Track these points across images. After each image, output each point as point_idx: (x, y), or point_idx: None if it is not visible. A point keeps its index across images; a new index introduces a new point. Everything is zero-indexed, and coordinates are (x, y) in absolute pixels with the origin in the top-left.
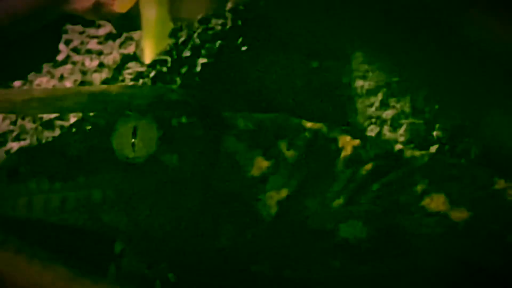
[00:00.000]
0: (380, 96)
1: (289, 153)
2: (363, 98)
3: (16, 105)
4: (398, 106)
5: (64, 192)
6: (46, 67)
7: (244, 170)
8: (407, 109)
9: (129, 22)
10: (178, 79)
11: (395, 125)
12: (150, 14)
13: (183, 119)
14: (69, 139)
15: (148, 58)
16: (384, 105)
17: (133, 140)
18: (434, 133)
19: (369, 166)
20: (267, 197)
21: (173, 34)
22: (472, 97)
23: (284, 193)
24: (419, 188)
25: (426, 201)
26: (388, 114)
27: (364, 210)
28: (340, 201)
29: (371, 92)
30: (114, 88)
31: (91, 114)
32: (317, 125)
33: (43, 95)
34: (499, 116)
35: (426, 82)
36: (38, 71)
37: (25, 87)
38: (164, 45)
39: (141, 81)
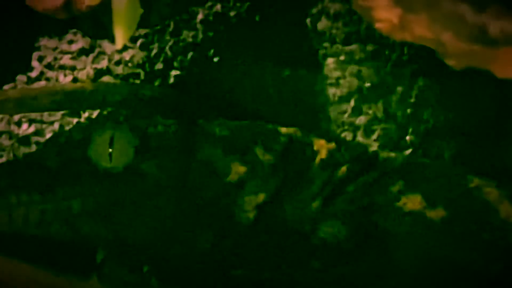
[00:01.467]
0: (352, 102)
1: (265, 158)
2: (335, 105)
3: None
4: (370, 111)
5: (43, 204)
6: (20, 82)
7: (221, 176)
8: (379, 114)
9: (101, 27)
10: (140, 84)
11: (368, 130)
12: (119, 2)
13: (159, 128)
14: (46, 152)
15: (119, 44)
16: (356, 111)
17: (110, 150)
18: (407, 137)
19: (344, 169)
20: (245, 201)
21: (145, 47)
22: (445, 100)
23: (261, 197)
24: (395, 189)
25: (402, 201)
26: (361, 120)
27: (341, 211)
28: (317, 203)
29: (343, 99)
30: (88, 85)
31: (65, 126)
32: (292, 130)
33: (18, 95)
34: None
35: (398, 85)
36: (14, 87)
37: None
38: (134, 31)
39: None
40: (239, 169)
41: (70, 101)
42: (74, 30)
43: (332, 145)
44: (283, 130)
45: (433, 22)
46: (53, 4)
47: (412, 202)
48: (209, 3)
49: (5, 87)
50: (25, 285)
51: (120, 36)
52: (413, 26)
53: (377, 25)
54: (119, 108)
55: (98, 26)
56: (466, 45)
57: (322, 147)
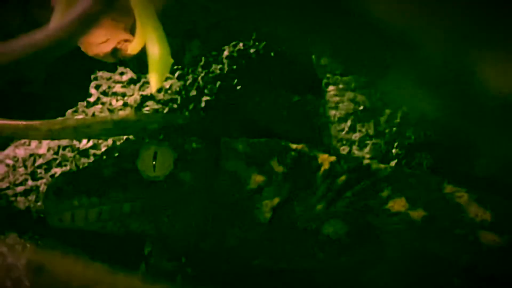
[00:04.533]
0: (349, 122)
1: (279, 169)
2: (335, 124)
3: (54, 133)
4: (363, 130)
5: (100, 206)
6: (81, 106)
7: (243, 183)
8: (371, 132)
9: (145, 66)
10: (187, 114)
11: (361, 145)
12: (154, 53)
13: (193, 144)
14: (102, 163)
15: (153, 87)
16: (352, 129)
17: (154, 162)
18: (393, 150)
19: (343, 178)
20: (263, 204)
21: (181, 77)
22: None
23: (276, 201)
24: (384, 194)
25: (390, 204)
26: (355, 136)
27: (341, 212)
28: (321, 205)
29: (341, 119)
30: (132, 116)
31: (118, 142)
32: (300, 146)
33: (75, 124)
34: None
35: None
36: (75, 110)
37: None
38: (165, 76)
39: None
40: (258, 178)
41: (117, 129)
42: (123, 66)
43: (333, 158)
44: (293, 146)
45: None
46: (102, 51)
47: (398, 204)
48: (233, 43)
49: (69, 111)
50: (83, 275)
51: (154, 81)
52: None
53: None
54: (159, 135)
55: (141, 64)
56: None
57: (325, 160)
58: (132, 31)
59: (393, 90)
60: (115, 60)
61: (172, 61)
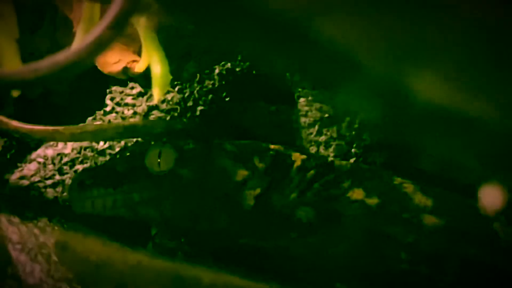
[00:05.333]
0: (316, 127)
1: (260, 165)
2: (305, 129)
3: (76, 136)
4: (328, 133)
5: (115, 195)
6: (98, 114)
7: (231, 177)
8: (334, 135)
9: (150, 81)
10: (185, 121)
11: (326, 146)
12: (156, 71)
13: (191, 145)
14: (116, 161)
15: (156, 99)
16: (319, 133)
17: (159, 160)
18: (353, 150)
19: (312, 172)
20: (247, 194)
21: (181, 91)
22: (377, 127)
23: (258, 191)
24: (345, 185)
25: (350, 193)
26: (322, 139)
27: (310, 200)
28: (294, 194)
29: (310, 125)
30: (140, 122)
31: (129, 144)
32: (277, 147)
33: (93, 129)
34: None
35: (346, 116)
36: (94, 118)
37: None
38: (166, 90)
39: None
40: (243, 173)
41: (127, 132)
42: (133, 82)
43: (304, 156)
44: (272, 146)
45: None
46: (115, 69)
47: (356, 193)
48: (223, 63)
49: (89, 118)
50: (100, 252)
51: (156, 94)
52: None
53: None
54: (162, 138)
55: (147, 80)
56: None
57: (297, 158)
58: (139, 53)
59: (350, 101)
60: (125, 77)
61: (171, 77)
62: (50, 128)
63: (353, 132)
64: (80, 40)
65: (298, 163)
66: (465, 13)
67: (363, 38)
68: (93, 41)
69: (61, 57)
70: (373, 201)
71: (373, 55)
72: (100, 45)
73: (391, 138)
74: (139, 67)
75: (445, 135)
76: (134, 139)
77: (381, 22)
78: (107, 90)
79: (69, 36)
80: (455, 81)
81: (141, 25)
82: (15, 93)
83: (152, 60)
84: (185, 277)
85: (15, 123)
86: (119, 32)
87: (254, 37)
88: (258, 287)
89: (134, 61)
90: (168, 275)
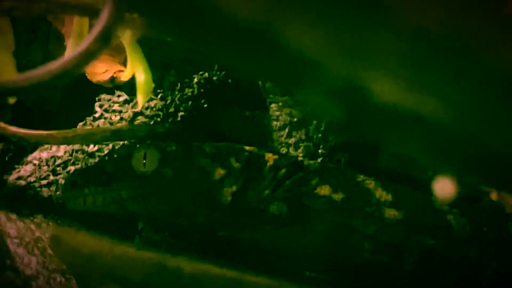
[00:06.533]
0: (286, 130)
1: (236, 165)
2: (276, 132)
3: (68, 140)
4: (297, 135)
5: (104, 193)
6: (88, 120)
7: (210, 176)
8: (303, 137)
9: (135, 89)
10: (167, 125)
11: (296, 147)
12: (140, 79)
13: (173, 147)
14: (105, 162)
15: (140, 104)
16: (289, 136)
17: (144, 161)
18: (319, 150)
19: (283, 170)
20: (224, 191)
21: (163, 98)
22: (341, 129)
23: (234, 188)
24: (313, 182)
25: (318, 190)
26: (292, 141)
27: (282, 196)
28: (268, 191)
29: (281, 128)
30: (125, 126)
31: (116, 147)
32: (252, 148)
33: (83, 133)
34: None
35: (313, 119)
36: (84, 123)
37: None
38: (149, 97)
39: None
40: (220, 172)
41: (115, 136)
42: (120, 90)
43: (276, 156)
44: (247, 148)
45: None
46: (103, 79)
47: (324, 190)
48: (201, 72)
49: (80, 124)
50: (91, 245)
51: (140, 100)
52: None
53: None
54: (146, 141)
55: (132, 88)
56: None
57: (270, 158)
58: (124, 64)
59: (316, 105)
60: (112, 85)
61: (153, 85)
62: (45, 132)
63: (320, 134)
64: (71, 51)
65: (270, 162)
66: (414, 17)
67: (323, 42)
68: (82, 52)
69: (53, 66)
70: (338, 196)
71: (333, 59)
72: (89, 56)
73: (354, 138)
74: (124, 76)
75: (401, 134)
76: (121, 142)
77: (340, 26)
78: (96, 98)
79: (61, 49)
80: (409, 82)
81: (126, 37)
82: (12, 100)
83: (137, 70)
84: (169, 267)
85: (13, 128)
86: (105, 44)
87: (226, 47)
88: (233, 275)
89: (120, 71)
90: (153, 265)
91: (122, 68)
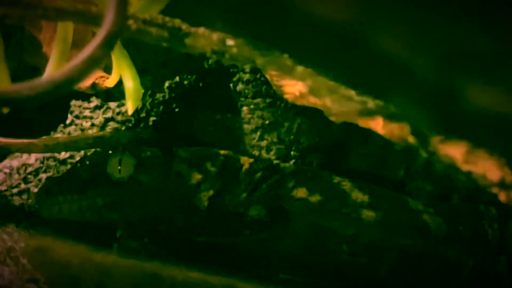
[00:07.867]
0: (258, 133)
1: (212, 169)
2: (248, 135)
3: (49, 147)
4: (269, 138)
5: (80, 201)
6: (60, 127)
7: (186, 180)
8: (275, 139)
9: (111, 96)
10: (138, 130)
11: (268, 150)
12: (129, 86)
13: (148, 153)
14: (79, 169)
15: (130, 111)
16: (261, 138)
17: (119, 167)
18: (292, 153)
19: (259, 174)
20: (201, 195)
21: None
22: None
23: (211, 192)
24: (290, 185)
25: (294, 192)
26: (263, 143)
27: (259, 199)
28: (244, 195)
29: (253, 131)
30: (107, 133)
31: (88, 153)
32: (227, 152)
33: (65, 140)
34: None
35: (285, 122)
36: (55, 130)
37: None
38: (138, 103)
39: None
40: (197, 176)
41: (97, 142)
42: (93, 96)
43: (252, 160)
44: (222, 152)
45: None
46: (84, 85)
47: (300, 192)
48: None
49: (52, 131)
50: (69, 254)
51: (130, 107)
52: (309, 97)
53: (285, 96)
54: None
55: (108, 95)
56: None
57: (245, 161)
58: (105, 70)
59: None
60: (94, 92)
61: (143, 91)
62: (26, 141)
63: (292, 137)
64: (57, 60)
65: (246, 166)
66: None
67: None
68: (87, 59)
69: (57, 74)
70: (315, 198)
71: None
72: (93, 63)
73: (326, 141)
74: (109, 82)
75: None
76: (93, 149)
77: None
78: (69, 104)
79: (37, 57)
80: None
81: None
82: (5, 110)
83: (124, 76)
84: (148, 274)
85: None
86: (110, 49)
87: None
88: (211, 280)
89: (101, 77)
90: (132, 273)
91: (104, 74)
